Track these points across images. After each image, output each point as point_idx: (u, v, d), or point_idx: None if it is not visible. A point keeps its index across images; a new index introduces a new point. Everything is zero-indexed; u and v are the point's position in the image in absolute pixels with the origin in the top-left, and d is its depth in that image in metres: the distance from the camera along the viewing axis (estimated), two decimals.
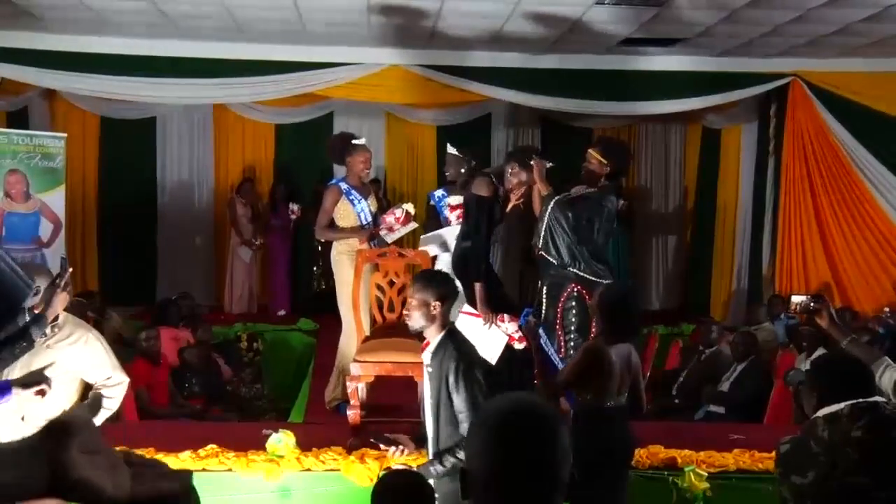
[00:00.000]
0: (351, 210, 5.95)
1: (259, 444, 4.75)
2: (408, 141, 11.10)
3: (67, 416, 3.38)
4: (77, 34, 8.35)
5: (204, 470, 4.59)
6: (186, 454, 4.70)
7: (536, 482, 1.63)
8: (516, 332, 5.20)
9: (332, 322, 8.25)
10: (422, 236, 6.38)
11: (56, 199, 8.51)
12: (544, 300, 5.38)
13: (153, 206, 10.68)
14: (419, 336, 5.32)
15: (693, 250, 11.32)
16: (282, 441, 4.72)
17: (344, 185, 5.99)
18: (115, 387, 4.02)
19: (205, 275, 10.74)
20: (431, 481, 3.49)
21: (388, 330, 5.33)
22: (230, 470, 4.56)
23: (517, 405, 1.71)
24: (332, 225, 6.01)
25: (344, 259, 5.89)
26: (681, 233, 11.54)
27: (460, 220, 5.85)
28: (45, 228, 8.43)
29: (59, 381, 3.88)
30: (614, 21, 7.65)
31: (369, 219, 6.02)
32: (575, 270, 5.25)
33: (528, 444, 1.64)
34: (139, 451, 4.66)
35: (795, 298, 4.13)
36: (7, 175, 8.24)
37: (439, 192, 6.32)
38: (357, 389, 5.08)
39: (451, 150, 6.23)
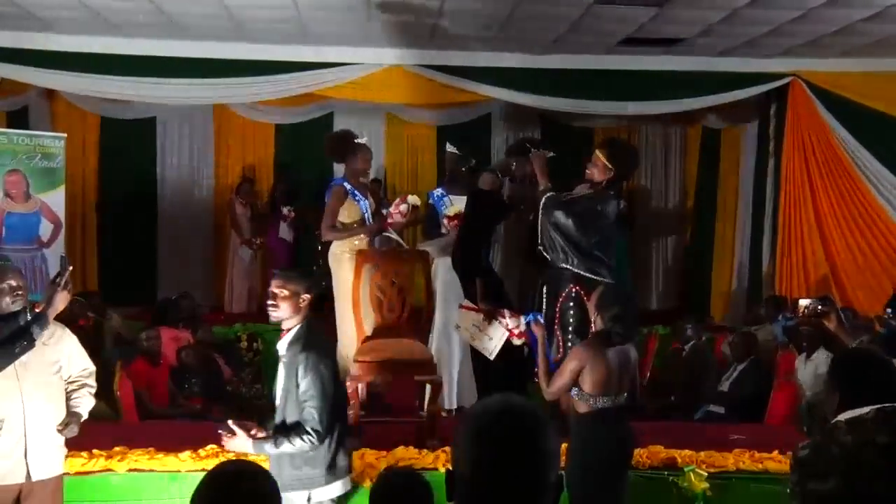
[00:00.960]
0: (357, 209, 5.96)
1: None
2: (408, 141, 11.10)
3: None
4: (77, 34, 8.34)
5: (204, 470, 4.58)
6: (186, 454, 4.70)
7: (522, 484, 1.63)
8: (517, 327, 5.22)
9: (332, 322, 8.28)
10: (419, 244, 6.38)
11: (56, 199, 8.51)
12: (544, 299, 5.37)
13: (153, 206, 10.67)
14: (419, 336, 5.36)
15: (693, 250, 11.31)
16: None
17: (347, 185, 6.00)
18: (91, 375, 4.13)
19: (205, 275, 10.73)
20: (271, 464, 3.71)
21: (388, 330, 5.33)
22: None
23: (503, 407, 1.70)
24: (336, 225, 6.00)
25: (345, 258, 5.87)
26: (681, 233, 11.53)
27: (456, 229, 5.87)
28: (45, 228, 8.43)
29: (55, 376, 3.90)
30: (614, 21, 7.65)
31: (370, 217, 6.03)
32: (569, 267, 5.21)
33: (514, 445, 1.64)
34: (139, 451, 4.68)
35: (803, 302, 4.12)
36: (7, 175, 8.24)
37: (438, 192, 6.32)
38: (357, 389, 5.08)
39: (450, 148, 6.23)
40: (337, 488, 3.90)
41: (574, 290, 5.22)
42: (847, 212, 9.17)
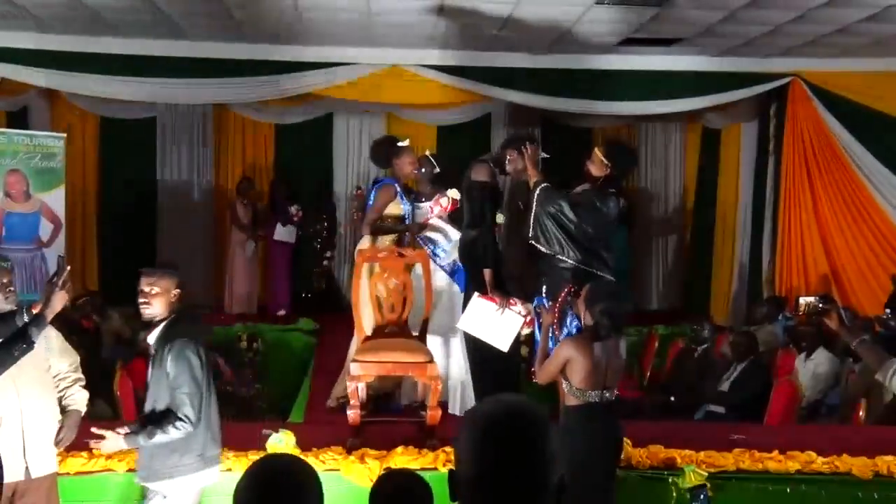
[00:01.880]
0: (401, 210, 5.99)
1: (259, 444, 4.74)
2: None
3: None
4: (77, 34, 8.35)
5: None
6: None
7: (523, 484, 1.63)
8: (529, 314, 5.21)
9: (332, 322, 8.28)
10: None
11: (56, 199, 8.52)
12: (544, 297, 5.37)
13: (153, 206, 10.67)
14: (419, 336, 5.35)
15: (693, 250, 11.31)
16: (282, 441, 4.71)
17: (398, 186, 6.03)
18: (78, 368, 4.14)
19: (205, 275, 10.73)
20: (142, 455, 3.80)
21: (388, 330, 5.33)
22: (230, 470, 4.54)
23: (505, 407, 1.71)
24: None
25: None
26: (681, 233, 11.53)
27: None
28: (45, 228, 8.43)
29: (47, 373, 3.90)
30: (614, 21, 7.65)
31: (409, 220, 6.08)
32: (566, 259, 5.20)
33: (515, 446, 1.64)
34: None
35: (803, 299, 4.12)
36: (7, 175, 8.24)
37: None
38: (357, 389, 5.08)
39: (427, 153, 6.38)
40: (209, 476, 3.93)
41: (572, 289, 5.21)
42: (847, 212, 9.17)
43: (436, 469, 4.57)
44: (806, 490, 4.70)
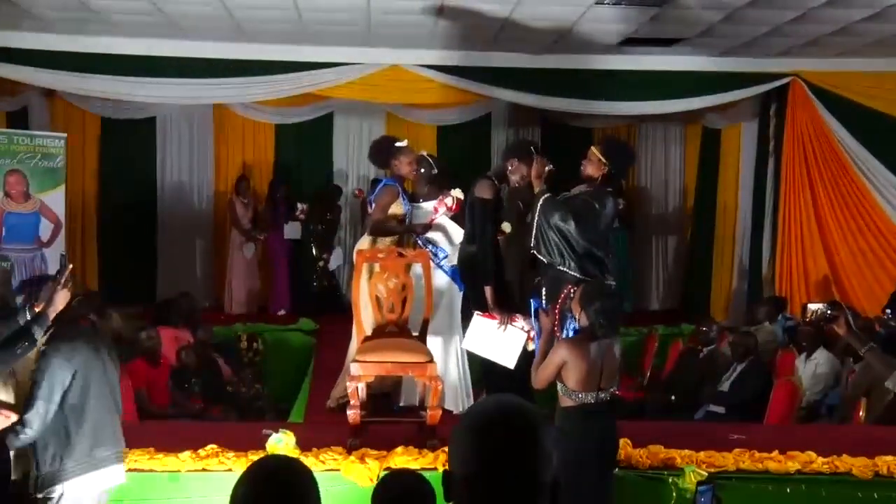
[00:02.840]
0: (401, 211, 5.99)
1: (259, 444, 4.74)
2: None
3: None
4: (77, 34, 8.35)
5: (204, 470, 4.59)
6: (186, 454, 4.69)
7: (519, 484, 1.63)
8: (530, 330, 5.21)
9: (332, 322, 8.28)
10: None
11: (56, 199, 8.52)
12: (543, 301, 5.36)
13: (153, 206, 10.67)
14: (420, 336, 5.35)
15: (693, 250, 11.30)
16: (282, 441, 4.71)
17: (399, 187, 6.03)
18: None
19: (205, 275, 10.73)
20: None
21: (388, 330, 5.33)
22: (230, 470, 4.55)
23: (500, 407, 1.71)
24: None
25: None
26: (681, 233, 11.53)
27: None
28: (45, 228, 8.43)
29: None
30: (614, 21, 7.65)
31: (408, 221, 6.08)
32: (565, 269, 5.19)
33: (511, 446, 1.64)
34: (139, 451, 4.68)
35: (812, 306, 4.12)
36: (7, 175, 8.25)
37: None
38: (357, 389, 5.08)
39: (425, 153, 6.38)
40: (108, 477, 3.91)
41: (572, 292, 5.20)
42: (847, 212, 9.17)
43: (436, 469, 4.57)
44: (806, 490, 4.70)
